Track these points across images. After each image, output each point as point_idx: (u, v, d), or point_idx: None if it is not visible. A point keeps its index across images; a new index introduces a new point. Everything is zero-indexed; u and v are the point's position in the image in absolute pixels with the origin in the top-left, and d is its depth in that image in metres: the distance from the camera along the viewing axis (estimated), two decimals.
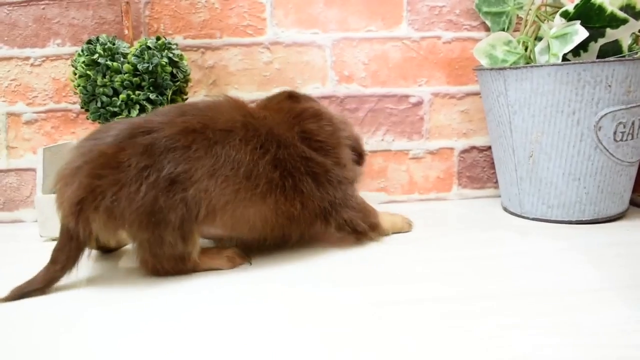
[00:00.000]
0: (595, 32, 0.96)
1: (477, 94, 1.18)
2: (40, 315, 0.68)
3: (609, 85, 0.90)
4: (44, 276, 0.74)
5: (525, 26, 1.03)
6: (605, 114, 0.91)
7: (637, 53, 0.99)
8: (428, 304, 0.66)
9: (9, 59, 1.13)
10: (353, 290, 0.72)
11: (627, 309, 0.63)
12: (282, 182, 0.79)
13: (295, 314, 0.65)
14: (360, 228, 0.87)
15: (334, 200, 0.84)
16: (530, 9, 1.02)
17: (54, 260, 0.75)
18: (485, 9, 1.14)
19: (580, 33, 0.91)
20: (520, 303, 0.66)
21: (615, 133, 0.93)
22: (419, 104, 1.18)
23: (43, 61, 1.13)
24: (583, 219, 0.98)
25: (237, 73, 1.15)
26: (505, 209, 1.09)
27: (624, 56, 0.94)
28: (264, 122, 0.80)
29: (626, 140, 0.94)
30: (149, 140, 0.74)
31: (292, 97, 0.94)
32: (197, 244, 0.78)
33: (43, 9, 1.12)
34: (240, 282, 0.77)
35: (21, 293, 0.72)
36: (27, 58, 1.13)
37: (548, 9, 1.06)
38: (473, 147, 1.21)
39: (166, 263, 0.76)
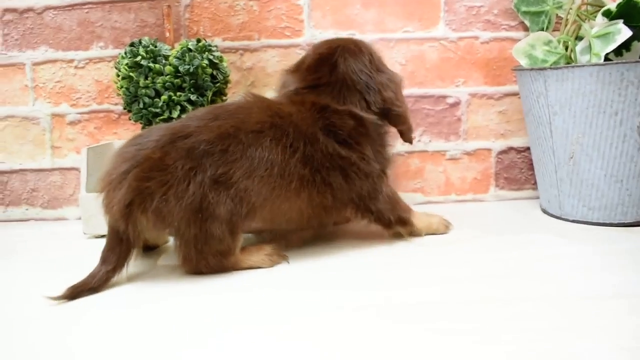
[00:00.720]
0: (639, 31, 0.94)
1: (515, 94, 1.17)
2: (87, 314, 0.70)
3: None
4: (97, 277, 0.77)
5: (566, 25, 1.02)
6: None
7: None
8: (463, 305, 0.67)
9: (54, 61, 1.16)
10: (385, 293, 0.72)
11: None
12: (313, 177, 0.83)
13: (344, 315, 0.66)
14: (387, 219, 0.90)
15: (361, 192, 0.87)
16: (570, 8, 1.01)
17: (104, 260, 0.79)
18: (524, 8, 1.13)
19: (623, 32, 0.90)
20: (563, 306, 0.65)
21: None
22: (456, 104, 1.18)
23: (86, 63, 1.16)
24: (625, 222, 0.96)
25: (275, 74, 1.16)
26: (545, 211, 1.08)
27: None
28: (290, 120, 0.84)
29: None
30: (188, 145, 0.78)
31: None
32: (241, 240, 0.82)
33: (87, 12, 1.15)
34: (278, 281, 0.78)
35: (76, 292, 0.75)
36: (71, 60, 1.16)
37: (589, 7, 1.04)
38: (511, 148, 1.20)
39: (211, 259, 0.79)
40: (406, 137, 0.97)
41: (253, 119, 0.82)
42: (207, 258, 0.79)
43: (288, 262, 0.85)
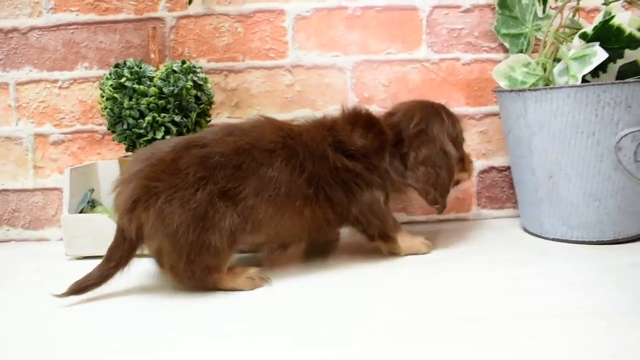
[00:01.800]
0: (614, 53, 0.97)
1: (496, 114, 1.19)
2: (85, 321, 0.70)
3: (629, 106, 0.91)
4: (99, 273, 0.81)
5: (544, 47, 1.04)
6: (626, 135, 0.92)
7: None
8: (444, 325, 0.67)
9: (38, 81, 1.16)
10: (368, 312, 0.73)
11: None
12: (316, 195, 0.87)
13: (314, 336, 0.66)
14: (371, 232, 0.93)
15: (360, 201, 0.90)
16: (549, 31, 1.04)
17: (108, 258, 0.81)
18: (503, 30, 1.15)
19: (599, 54, 0.92)
20: (543, 324, 0.66)
21: (635, 153, 0.93)
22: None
23: (71, 84, 1.16)
24: (604, 240, 0.98)
25: (259, 95, 1.17)
26: (525, 230, 1.10)
27: None
28: (300, 140, 0.87)
29: None
30: (203, 153, 0.81)
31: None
32: (232, 258, 0.83)
33: (72, 33, 1.15)
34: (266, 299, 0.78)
35: (79, 288, 0.79)
36: (56, 81, 1.16)
37: (567, 30, 1.07)
38: (492, 168, 1.22)
39: (198, 271, 0.80)
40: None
41: (267, 138, 0.85)
42: (194, 270, 0.80)
43: (270, 285, 0.85)
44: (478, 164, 1.21)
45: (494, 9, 1.17)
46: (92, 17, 1.15)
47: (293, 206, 0.85)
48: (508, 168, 1.20)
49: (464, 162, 1.03)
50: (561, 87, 0.93)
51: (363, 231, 0.93)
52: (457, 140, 0.99)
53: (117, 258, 0.81)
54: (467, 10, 1.17)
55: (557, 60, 1.04)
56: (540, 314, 0.69)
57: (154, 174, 0.79)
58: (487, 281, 0.82)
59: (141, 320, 0.73)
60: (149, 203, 0.78)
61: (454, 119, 1.00)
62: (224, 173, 0.80)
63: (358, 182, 0.90)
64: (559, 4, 1.05)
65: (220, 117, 1.17)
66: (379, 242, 0.94)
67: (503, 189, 1.22)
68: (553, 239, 1.02)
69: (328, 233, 0.96)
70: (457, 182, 1.05)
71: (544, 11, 1.04)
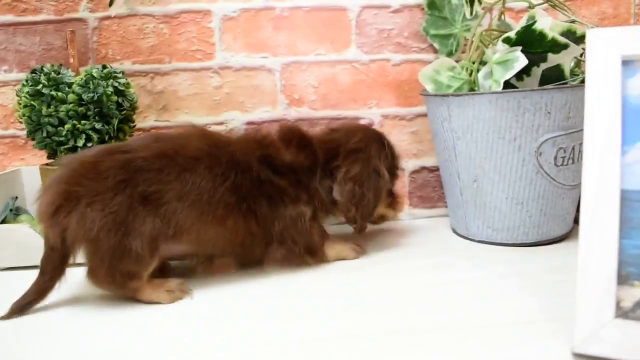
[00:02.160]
0: (537, 57, 0.97)
1: (426, 115, 1.20)
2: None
3: (549, 112, 0.92)
4: (35, 288, 0.79)
5: (470, 50, 1.04)
6: (546, 140, 0.93)
7: (578, 76, 1.01)
8: (367, 338, 0.68)
9: None
10: (288, 325, 0.73)
11: (557, 343, 0.64)
12: (239, 205, 0.85)
13: (233, 349, 0.66)
14: (297, 250, 0.92)
15: (284, 217, 0.89)
16: (474, 34, 1.04)
17: (42, 271, 0.80)
18: (432, 31, 1.15)
19: (520, 60, 0.93)
20: (460, 336, 0.67)
21: (555, 158, 0.95)
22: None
23: None
24: (527, 242, 1.00)
25: (187, 98, 1.15)
26: (454, 231, 1.11)
27: (563, 84, 0.96)
28: (226, 150, 0.87)
29: (567, 164, 0.96)
30: (126, 157, 0.80)
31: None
32: (153, 265, 0.82)
33: None
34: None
35: (19, 307, 0.78)
36: None
37: (494, 32, 1.07)
38: (423, 168, 1.23)
39: (119, 277, 0.79)
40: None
41: (192, 145, 0.85)
42: (115, 275, 0.79)
43: (191, 298, 0.84)
44: (410, 164, 1.22)
45: (423, 9, 1.17)
46: (10, 18, 1.10)
47: (215, 214, 0.83)
48: (439, 168, 1.21)
49: (394, 198, 1.05)
50: (483, 94, 0.94)
51: (289, 250, 0.91)
52: (392, 172, 1.01)
53: (50, 270, 0.79)
54: (396, 11, 1.17)
55: (483, 63, 1.05)
56: (464, 324, 0.70)
57: (74, 179, 0.78)
58: (409, 289, 0.83)
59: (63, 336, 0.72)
60: (71, 209, 0.77)
61: (393, 151, 1.01)
62: (146, 176, 0.79)
63: (283, 198, 0.89)
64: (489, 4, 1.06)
65: (147, 121, 1.14)
66: (306, 257, 0.93)
67: (435, 189, 1.23)
68: (479, 241, 1.03)
69: (254, 249, 0.91)
70: (383, 218, 1.06)
71: (471, 12, 1.03)
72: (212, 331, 0.72)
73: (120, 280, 0.79)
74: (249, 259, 0.92)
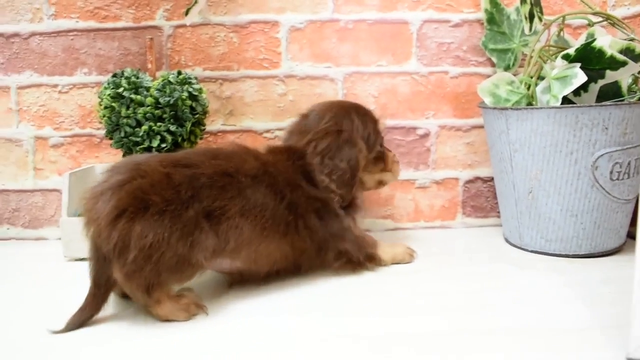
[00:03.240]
0: (596, 74, 1.00)
1: (482, 126, 1.23)
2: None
3: (606, 128, 0.94)
4: (92, 303, 0.78)
5: (529, 65, 1.07)
6: (602, 155, 0.95)
7: (636, 94, 1.03)
8: (422, 338, 0.71)
9: (39, 85, 1.20)
10: (349, 322, 0.77)
11: (610, 351, 0.67)
12: (296, 222, 0.89)
13: (290, 346, 0.71)
14: (355, 259, 0.95)
15: (332, 231, 0.93)
16: (533, 49, 1.07)
17: (96, 284, 0.78)
18: (491, 46, 1.19)
19: (579, 77, 0.95)
20: (512, 340, 0.70)
21: (611, 172, 0.97)
22: (426, 135, 1.23)
23: (70, 89, 1.20)
24: (580, 253, 1.02)
25: (253, 104, 1.21)
26: (507, 240, 1.14)
27: (620, 100, 0.98)
28: (277, 168, 0.90)
29: (622, 179, 0.98)
30: (190, 172, 0.81)
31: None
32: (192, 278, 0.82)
33: (72, 39, 1.18)
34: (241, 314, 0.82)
35: (78, 323, 0.77)
36: (56, 85, 1.20)
37: (552, 48, 1.10)
38: (477, 178, 1.26)
39: (157, 285, 0.76)
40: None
41: (248, 164, 0.87)
42: (154, 282, 0.76)
43: (207, 314, 0.81)
44: (464, 174, 1.25)
45: (482, 24, 1.20)
46: (92, 24, 1.18)
47: (277, 230, 0.86)
48: (493, 179, 1.24)
49: (384, 161, 1.05)
50: (541, 108, 0.97)
51: (348, 261, 0.94)
52: (369, 139, 1.01)
53: (104, 282, 0.77)
54: (456, 25, 1.21)
55: (541, 77, 1.07)
56: (510, 329, 0.73)
57: (149, 186, 0.76)
58: (464, 294, 0.86)
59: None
60: (137, 215, 0.74)
61: (366, 119, 1.01)
62: (210, 192, 0.80)
63: (328, 211, 0.92)
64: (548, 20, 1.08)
65: (214, 125, 1.21)
66: (366, 264, 0.97)
67: (488, 199, 1.26)
68: (532, 251, 1.06)
69: (308, 262, 0.94)
70: (381, 182, 1.07)
71: (530, 28, 1.07)
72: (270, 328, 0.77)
73: (155, 289, 0.77)
74: (299, 270, 0.94)
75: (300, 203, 0.89)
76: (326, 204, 0.93)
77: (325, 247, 0.92)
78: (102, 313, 0.79)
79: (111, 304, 0.82)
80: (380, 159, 1.04)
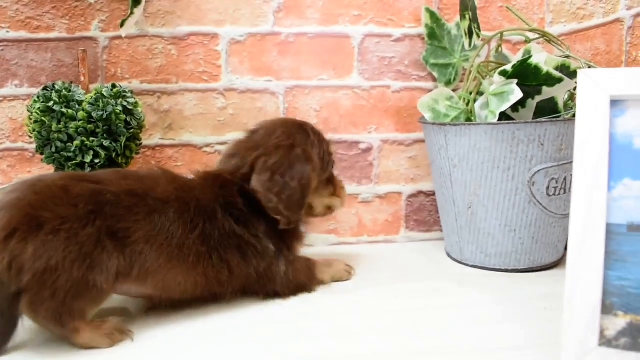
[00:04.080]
0: (532, 90, 1.01)
1: (424, 141, 1.23)
2: None
3: (542, 144, 0.95)
4: None
5: (468, 81, 1.08)
6: (538, 170, 0.96)
7: (572, 109, 1.05)
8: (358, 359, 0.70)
9: None
10: (281, 347, 0.75)
11: None
12: (210, 254, 0.83)
13: None
14: (288, 296, 0.92)
15: (259, 270, 0.87)
16: (472, 65, 1.08)
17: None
18: (432, 60, 1.19)
19: (516, 93, 0.96)
20: None
21: (548, 188, 0.98)
22: (368, 150, 1.23)
23: (1, 101, 1.15)
24: (519, 268, 1.03)
25: (192, 117, 1.18)
26: (448, 255, 1.14)
27: (556, 117, 0.99)
28: (193, 195, 0.84)
29: (559, 194, 0.99)
30: (95, 188, 0.76)
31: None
32: (100, 306, 0.77)
33: (2, 50, 1.14)
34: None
35: None
36: None
37: (491, 64, 1.11)
38: (420, 192, 1.26)
39: (66, 314, 0.72)
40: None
41: (160, 187, 0.82)
42: (62, 311, 0.71)
43: (132, 340, 0.77)
44: (407, 188, 1.25)
45: (424, 39, 1.20)
46: (23, 34, 1.14)
47: (186, 261, 0.81)
48: (435, 193, 1.24)
49: (334, 186, 1.01)
50: (479, 124, 0.97)
51: (276, 295, 0.91)
52: (324, 160, 0.96)
53: (7, 308, 0.71)
54: (398, 40, 1.21)
55: (480, 93, 1.08)
56: (447, 349, 0.73)
57: (42, 203, 0.71)
58: (401, 312, 0.86)
59: None
60: (30, 235, 0.69)
61: (320, 137, 0.97)
62: (115, 211, 0.75)
63: (252, 250, 0.87)
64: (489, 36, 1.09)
65: (153, 139, 1.18)
66: (300, 294, 0.93)
67: (431, 213, 1.27)
68: (472, 266, 1.06)
69: (226, 293, 0.88)
70: (330, 209, 1.02)
71: (469, 44, 1.07)
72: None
73: (65, 318, 0.72)
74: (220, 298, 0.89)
75: (216, 236, 0.83)
76: (247, 243, 0.86)
77: (251, 288, 0.89)
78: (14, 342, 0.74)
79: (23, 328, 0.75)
80: (331, 183, 1.00)
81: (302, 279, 0.94)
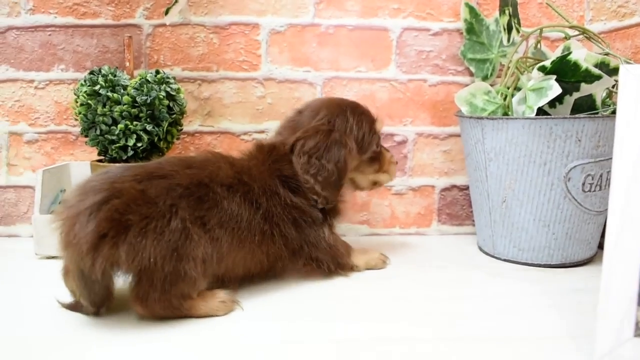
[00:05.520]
0: (571, 86, 1.01)
1: (459, 135, 1.24)
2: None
3: (579, 140, 0.96)
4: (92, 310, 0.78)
5: (506, 76, 1.08)
6: (575, 166, 0.97)
7: (609, 107, 1.05)
8: (392, 344, 0.72)
9: (14, 80, 1.18)
10: (318, 326, 0.77)
11: (577, 358, 0.68)
12: (272, 231, 0.87)
13: (267, 351, 0.70)
14: (326, 267, 0.95)
15: (308, 239, 0.92)
16: (511, 60, 1.08)
17: (93, 303, 0.77)
18: (470, 55, 1.20)
19: (554, 89, 0.96)
20: (482, 347, 0.71)
21: (583, 184, 0.98)
22: (403, 142, 1.24)
23: (47, 85, 1.18)
24: (551, 263, 1.03)
25: (231, 105, 1.20)
26: (480, 248, 1.15)
27: (594, 113, 0.99)
28: (252, 176, 0.87)
29: (594, 191, 0.99)
30: (167, 184, 0.78)
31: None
32: (204, 285, 0.81)
33: (49, 35, 1.17)
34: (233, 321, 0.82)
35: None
36: (32, 81, 1.18)
37: (529, 60, 1.11)
38: (454, 186, 1.27)
39: (175, 300, 0.77)
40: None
41: (223, 173, 0.85)
42: (170, 299, 0.76)
43: (242, 309, 0.83)
44: (440, 182, 1.26)
45: (462, 33, 1.21)
46: (70, 20, 1.17)
47: (253, 240, 0.85)
48: (468, 187, 1.25)
49: (380, 162, 1.03)
50: (516, 118, 0.98)
51: (319, 267, 0.95)
52: (364, 140, 0.98)
53: (101, 301, 0.78)
54: (436, 34, 1.22)
55: (518, 88, 1.09)
56: (480, 337, 0.74)
57: (124, 206, 0.73)
58: (435, 301, 0.87)
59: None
60: (119, 239, 0.72)
61: (362, 118, 0.98)
62: (187, 203, 0.78)
63: (305, 219, 0.91)
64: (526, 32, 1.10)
65: (192, 125, 1.20)
66: (338, 272, 0.97)
67: (463, 207, 1.27)
68: (505, 260, 1.07)
69: (282, 269, 0.95)
70: (376, 184, 1.05)
71: (508, 39, 1.08)
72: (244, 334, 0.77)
73: (176, 303, 0.77)
74: (272, 273, 0.94)
75: (277, 212, 0.88)
76: (303, 212, 0.91)
77: (298, 253, 0.92)
78: None
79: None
80: (376, 160, 1.02)
81: (341, 250, 0.97)
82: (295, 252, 0.92)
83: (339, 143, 0.93)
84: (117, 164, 0.90)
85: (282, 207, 0.88)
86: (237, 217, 0.83)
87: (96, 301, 0.77)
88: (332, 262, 0.95)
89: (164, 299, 0.76)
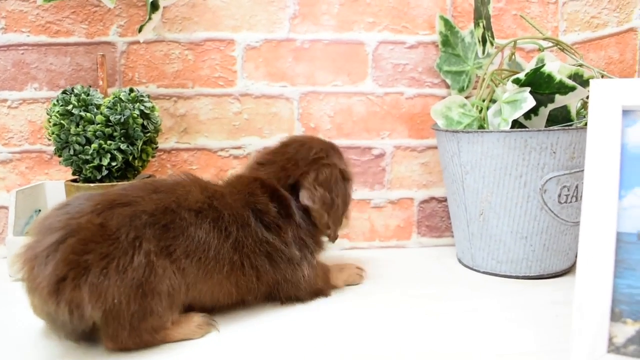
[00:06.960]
0: (545, 98, 1.01)
1: (436, 147, 1.24)
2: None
3: (554, 152, 0.96)
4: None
5: (481, 88, 1.09)
6: (550, 178, 0.97)
7: (584, 118, 1.05)
8: None
9: None
10: (295, 347, 0.76)
11: None
12: (242, 262, 0.84)
13: None
14: (307, 300, 0.93)
15: (285, 277, 0.89)
16: (485, 72, 1.08)
17: (76, 338, 0.75)
18: (445, 68, 1.20)
19: (528, 101, 0.97)
20: None
21: (559, 195, 0.98)
22: (381, 155, 1.24)
23: (20, 104, 1.17)
24: (530, 275, 1.03)
25: (208, 122, 1.20)
26: (460, 261, 1.15)
27: (568, 125, 1.00)
28: (224, 202, 0.84)
29: (570, 202, 0.99)
30: (130, 212, 0.75)
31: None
32: (176, 314, 0.79)
33: (22, 54, 1.16)
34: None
35: None
36: (5, 100, 1.17)
37: (504, 72, 1.12)
38: (432, 198, 1.27)
39: (145, 335, 0.75)
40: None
41: (192, 197, 0.82)
42: (141, 335, 0.74)
43: (218, 330, 0.82)
44: (419, 194, 1.26)
45: (437, 46, 1.21)
46: (43, 38, 1.16)
47: (220, 271, 0.81)
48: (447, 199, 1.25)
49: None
50: (491, 132, 0.98)
51: (297, 299, 0.92)
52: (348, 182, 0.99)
53: (76, 337, 0.75)
54: (412, 47, 1.22)
55: (493, 101, 1.09)
56: (457, 354, 0.74)
57: (82, 245, 0.70)
58: (413, 317, 0.87)
59: None
60: (80, 280, 0.68)
61: (341, 156, 1.00)
62: (154, 232, 0.75)
63: (280, 256, 0.88)
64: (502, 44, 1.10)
65: (168, 142, 1.19)
66: (317, 298, 0.95)
67: (442, 219, 1.27)
68: (483, 272, 1.07)
69: (251, 300, 0.90)
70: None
71: (483, 51, 1.08)
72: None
73: (147, 338, 0.75)
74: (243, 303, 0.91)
75: (247, 243, 0.84)
76: (276, 249, 0.87)
77: (276, 290, 0.90)
78: None
79: None
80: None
81: (320, 284, 0.95)
82: (271, 287, 0.89)
83: (342, 177, 0.95)
84: (82, 193, 0.86)
85: (252, 239, 0.85)
86: (204, 245, 0.79)
87: (72, 338, 0.74)
88: (314, 295, 0.94)
89: (134, 335, 0.74)
